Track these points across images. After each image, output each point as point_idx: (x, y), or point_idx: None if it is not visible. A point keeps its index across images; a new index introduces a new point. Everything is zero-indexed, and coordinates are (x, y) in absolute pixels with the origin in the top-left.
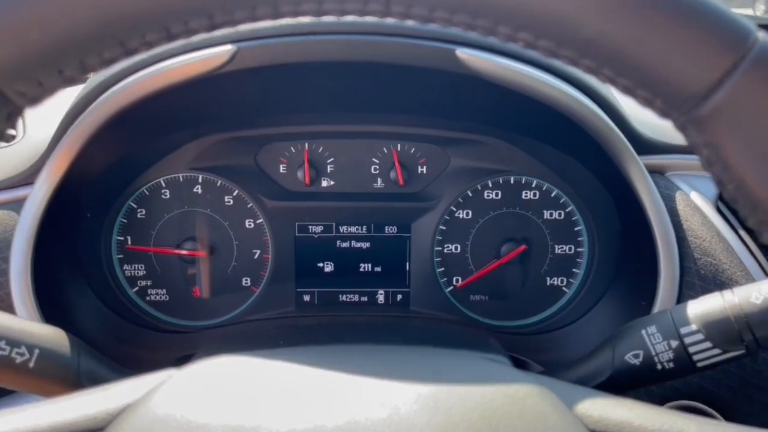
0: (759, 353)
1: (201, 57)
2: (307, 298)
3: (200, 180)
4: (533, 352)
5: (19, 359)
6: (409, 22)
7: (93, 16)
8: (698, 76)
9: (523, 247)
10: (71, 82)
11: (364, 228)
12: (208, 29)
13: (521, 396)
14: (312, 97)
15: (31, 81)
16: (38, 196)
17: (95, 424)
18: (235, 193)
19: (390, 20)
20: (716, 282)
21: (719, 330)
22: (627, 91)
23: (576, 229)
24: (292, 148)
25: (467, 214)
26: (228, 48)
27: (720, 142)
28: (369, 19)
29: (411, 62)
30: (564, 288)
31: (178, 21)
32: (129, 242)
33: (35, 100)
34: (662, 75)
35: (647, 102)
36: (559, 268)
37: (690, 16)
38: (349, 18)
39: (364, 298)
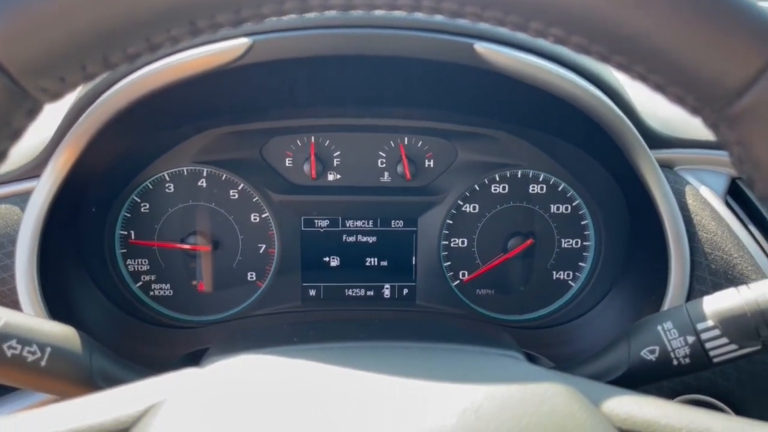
0: None
1: (216, 50)
2: (312, 292)
3: (205, 174)
4: (539, 347)
5: (30, 358)
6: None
7: (118, 10)
8: (733, 74)
9: (530, 241)
10: (93, 77)
11: (371, 222)
12: (234, 24)
13: (549, 395)
14: (319, 90)
15: (53, 77)
16: (44, 190)
17: (119, 426)
18: (240, 187)
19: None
20: (727, 276)
21: (736, 326)
22: (657, 88)
23: (583, 223)
24: (298, 142)
25: (474, 208)
26: (243, 41)
27: (752, 140)
28: (384, 12)
29: (428, 56)
30: (570, 282)
31: (204, 15)
32: (132, 237)
33: (56, 96)
34: (696, 72)
35: (678, 99)
36: (566, 262)
37: (726, 13)
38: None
39: (370, 293)
